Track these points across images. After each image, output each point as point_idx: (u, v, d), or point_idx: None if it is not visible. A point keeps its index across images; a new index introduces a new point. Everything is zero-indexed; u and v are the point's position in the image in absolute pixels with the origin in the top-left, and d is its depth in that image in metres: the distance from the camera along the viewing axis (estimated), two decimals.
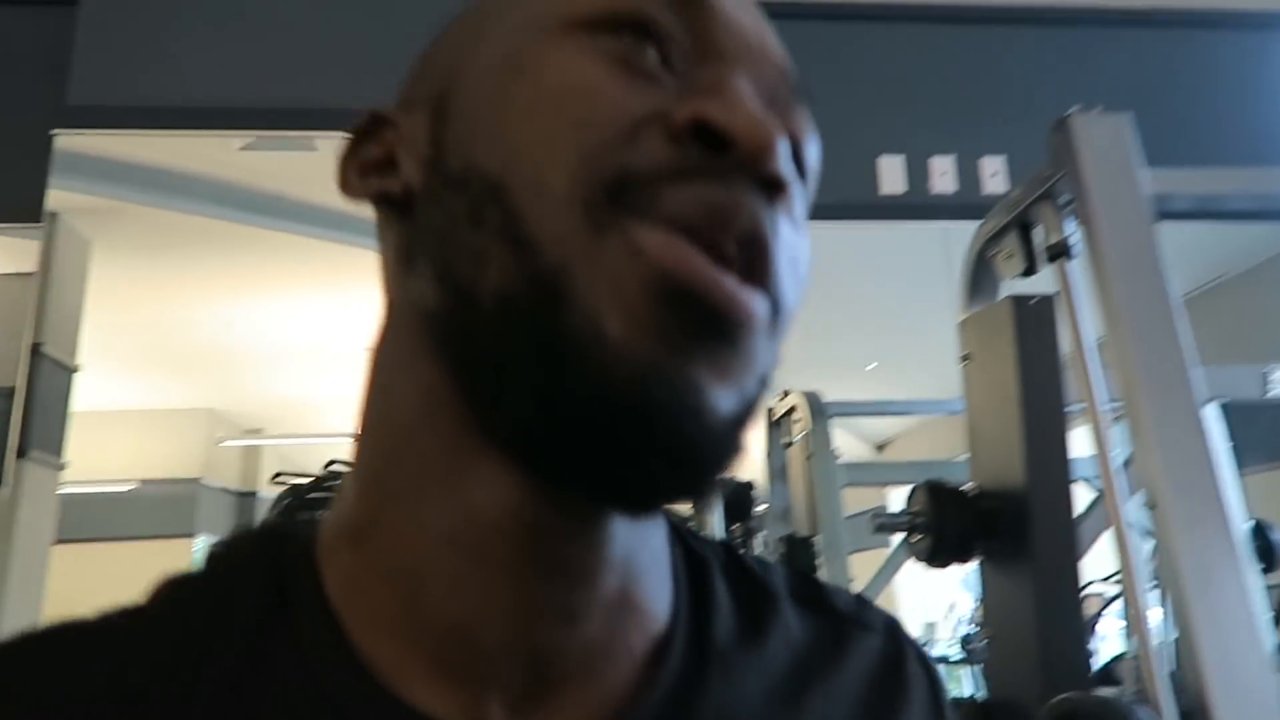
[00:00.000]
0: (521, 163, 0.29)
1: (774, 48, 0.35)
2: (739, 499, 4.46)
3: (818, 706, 0.36)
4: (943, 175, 1.91)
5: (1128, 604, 1.20)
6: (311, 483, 5.06)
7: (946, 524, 1.48)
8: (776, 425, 2.80)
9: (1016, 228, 1.32)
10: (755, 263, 0.29)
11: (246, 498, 10.48)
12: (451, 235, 0.30)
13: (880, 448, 6.07)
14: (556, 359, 0.27)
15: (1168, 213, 1.22)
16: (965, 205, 1.89)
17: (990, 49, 2.05)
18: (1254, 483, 2.56)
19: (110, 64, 2.13)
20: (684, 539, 0.39)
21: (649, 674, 0.34)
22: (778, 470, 2.93)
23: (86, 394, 3.30)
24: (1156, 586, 1.23)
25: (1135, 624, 1.17)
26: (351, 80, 2.08)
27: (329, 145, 3.74)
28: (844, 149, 1.88)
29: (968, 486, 1.53)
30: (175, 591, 0.37)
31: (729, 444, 0.30)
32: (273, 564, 0.36)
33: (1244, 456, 2.33)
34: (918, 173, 1.93)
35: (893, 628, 0.42)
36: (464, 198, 0.30)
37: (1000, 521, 1.43)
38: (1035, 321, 1.33)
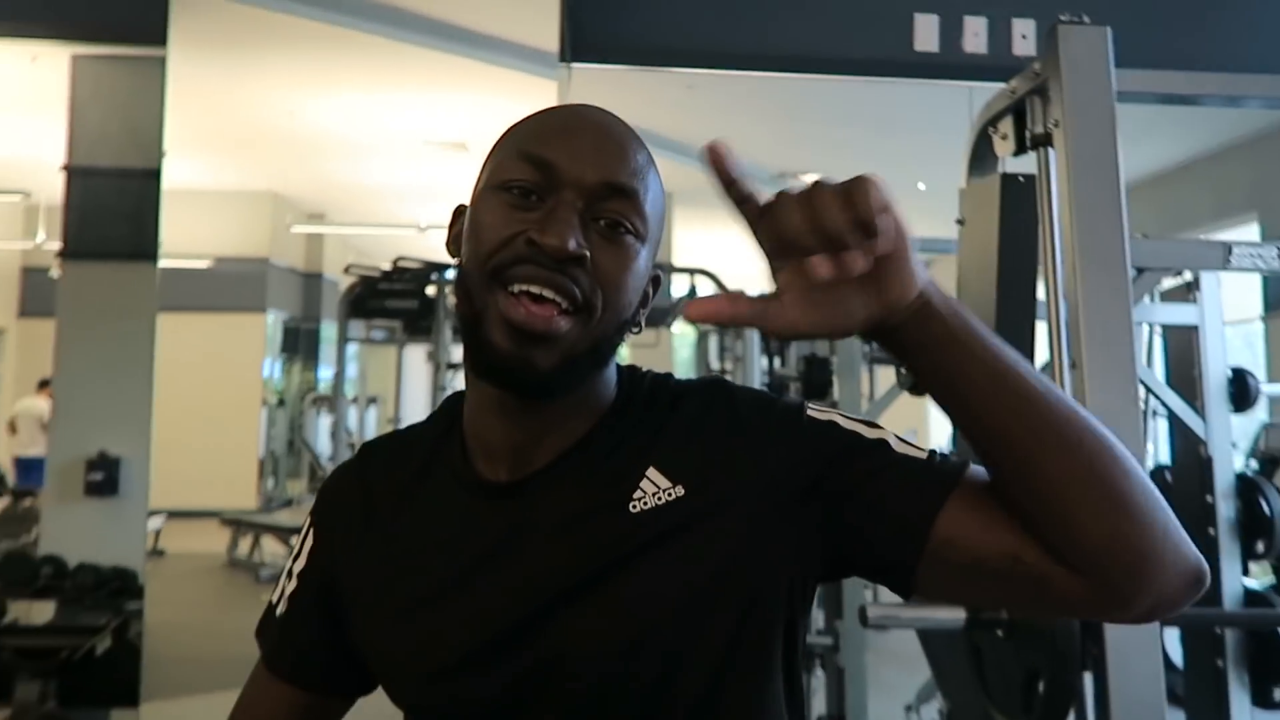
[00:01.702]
0: (468, 258, 0.67)
1: (598, 171, 0.65)
2: None
3: (669, 434, 0.69)
4: (975, 36, 2.03)
5: None
6: (381, 276, 5.51)
7: None
8: None
9: (1013, 113, 1.50)
10: (565, 298, 0.63)
11: (312, 279, 10.94)
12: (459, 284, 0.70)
13: (928, 265, 6.26)
14: (480, 347, 0.65)
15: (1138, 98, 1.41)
16: (996, 67, 2.02)
17: None
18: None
19: None
20: (636, 381, 0.74)
21: (568, 448, 0.70)
22: None
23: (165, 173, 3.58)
24: None
25: None
26: None
27: None
28: (880, 4, 2.01)
29: None
30: (433, 416, 0.79)
31: (555, 379, 0.65)
32: (456, 406, 0.77)
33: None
34: (950, 31, 2.05)
35: (710, 385, 0.72)
36: (463, 274, 0.69)
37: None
38: (1019, 198, 1.54)
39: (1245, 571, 2.46)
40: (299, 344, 10.30)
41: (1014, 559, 0.60)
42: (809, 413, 0.69)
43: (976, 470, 0.64)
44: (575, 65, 2.14)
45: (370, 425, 7.44)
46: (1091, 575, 0.57)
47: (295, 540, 0.81)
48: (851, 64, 2.03)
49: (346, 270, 4.97)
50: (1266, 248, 1.61)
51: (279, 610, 0.79)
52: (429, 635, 0.69)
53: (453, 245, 0.73)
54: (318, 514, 0.80)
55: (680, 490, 0.66)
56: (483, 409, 0.70)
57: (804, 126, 5.31)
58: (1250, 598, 2.41)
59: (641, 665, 0.64)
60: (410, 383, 5.83)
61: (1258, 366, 3.26)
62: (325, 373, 9.95)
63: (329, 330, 9.61)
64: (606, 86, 2.75)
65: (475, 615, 0.68)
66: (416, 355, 5.60)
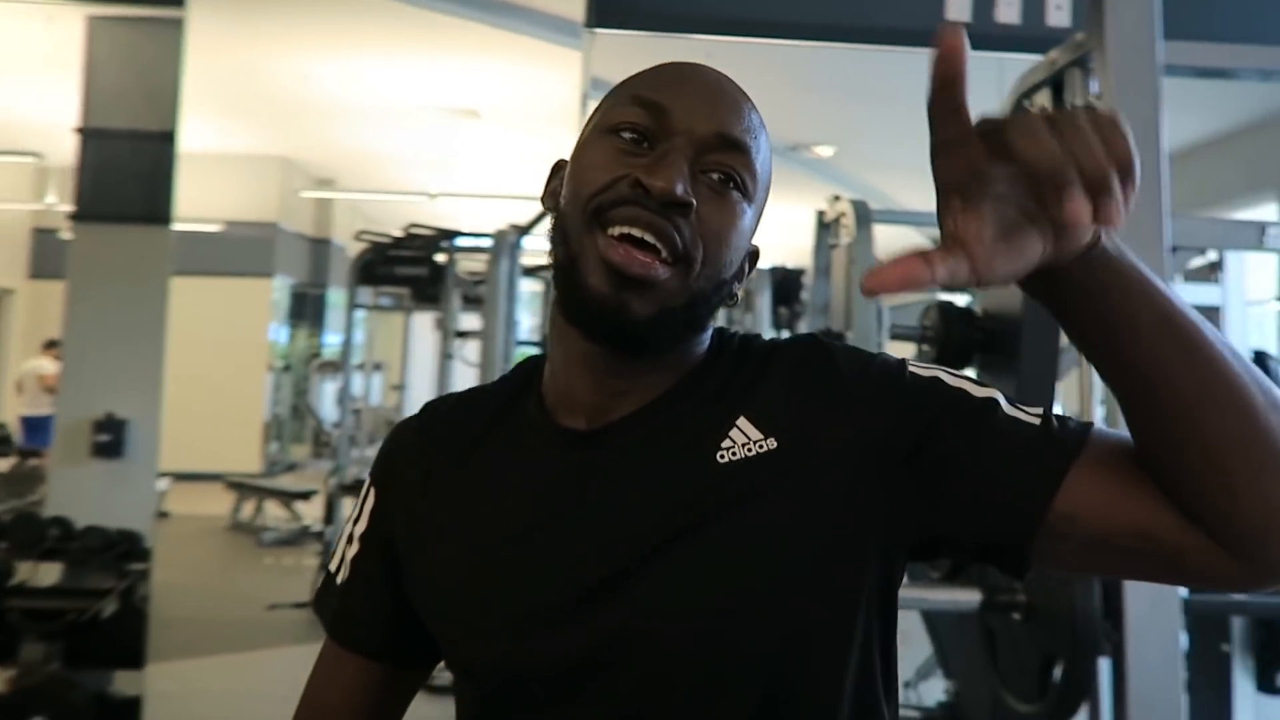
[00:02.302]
0: (568, 201, 0.64)
1: (712, 122, 0.63)
2: (787, 284, 4.70)
3: (762, 386, 0.65)
4: (1008, 6, 1.98)
5: (1082, 414, 1.46)
6: (392, 242, 5.47)
7: (951, 337, 1.72)
8: (826, 228, 2.97)
9: (1051, 85, 1.46)
10: (665, 245, 0.60)
11: (321, 245, 10.90)
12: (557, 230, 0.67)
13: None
14: (574, 290, 0.62)
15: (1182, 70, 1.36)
16: (1030, 38, 1.97)
17: None
18: None
19: None
20: (726, 340, 0.70)
21: (653, 399, 0.67)
22: (823, 268, 3.12)
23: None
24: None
25: None
26: None
27: None
28: None
29: (975, 306, 1.75)
30: (503, 378, 0.77)
31: (651, 329, 0.62)
32: (532, 368, 0.74)
33: None
34: (984, 1, 1.99)
35: (806, 341, 0.68)
36: (560, 218, 0.66)
37: (997, 339, 1.66)
38: None
39: None
40: (306, 309, 10.32)
41: (1145, 534, 0.56)
42: (910, 369, 0.63)
43: (1101, 434, 0.59)
44: (599, 31, 2.09)
45: (376, 391, 7.44)
46: (1242, 548, 0.52)
47: (354, 503, 0.78)
48: (880, 33, 1.98)
49: (357, 236, 4.92)
50: None
51: (340, 577, 0.75)
52: (499, 581, 0.65)
53: (549, 199, 0.69)
54: (376, 471, 0.77)
55: (773, 443, 0.62)
56: (569, 362, 0.67)
57: (823, 100, 5.25)
58: None
59: (726, 629, 0.61)
60: (416, 350, 5.81)
61: (1271, 349, 3.22)
62: (331, 338, 9.97)
63: (336, 296, 9.61)
64: (627, 54, 2.69)
65: (550, 567, 0.64)
66: (423, 323, 5.57)
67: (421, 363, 5.96)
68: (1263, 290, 4.94)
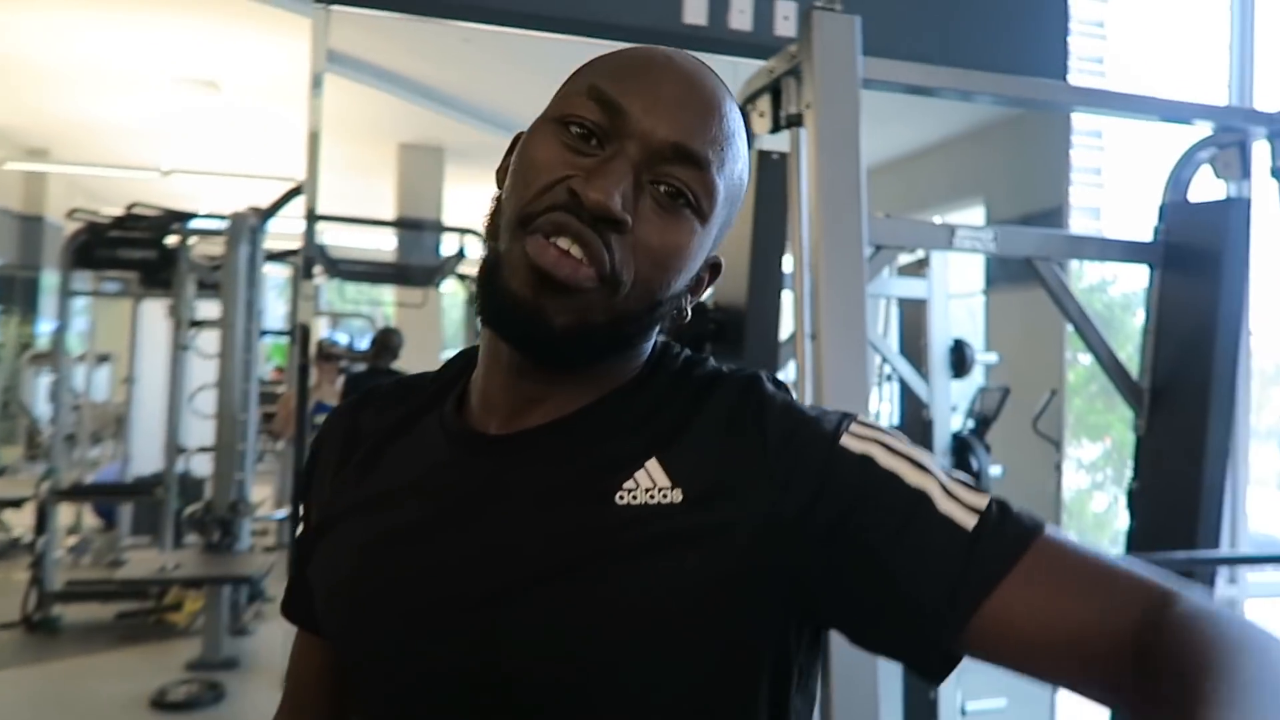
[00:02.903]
0: (506, 195, 0.60)
1: (671, 128, 0.58)
2: None
3: (685, 428, 0.61)
4: (741, 13, 2.09)
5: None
6: (111, 222, 4.98)
7: (683, 327, 1.79)
8: None
9: (770, 92, 1.55)
10: (592, 262, 0.57)
11: (32, 222, 9.72)
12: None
13: None
14: (495, 292, 0.59)
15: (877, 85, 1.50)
16: (760, 45, 2.09)
17: None
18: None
19: None
20: (667, 361, 0.66)
21: (567, 415, 0.63)
22: None
23: None
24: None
25: None
26: None
27: None
28: None
29: (707, 298, 1.85)
30: (439, 369, 0.73)
31: (568, 342, 0.58)
32: (465, 362, 0.71)
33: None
34: (719, 6, 2.09)
35: (745, 384, 0.63)
36: (498, 210, 0.61)
37: (725, 330, 1.76)
38: (772, 173, 1.60)
39: None
40: (14, 294, 9.15)
41: (1081, 660, 0.51)
42: (842, 443, 0.58)
43: (1050, 540, 0.54)
44: (334, 8, 2.00)
45: (101, 385, 6.73)
46: None
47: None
48: (623, 30, 2.03)
49: (70, 215, 4.42)
50: (985, 231, 1.77)
51: (297, 558, 0.74)
52: (379, 581, 0.62)
53: (500, 174, 0.64)
54: (313, 448, 0.76)
55: (678, 495, 0.57)
56: (490, 360, 0.64)
57: None
58: None
59: (588, 680, 0.56)
60: (147, 340, 5.31)
61: (979, 337, 3.64)
62: (45, 327, 8.91)
63: (52, 280, 8.58)
64: (371, 32, 2.61)
65: (431, 574, 0.60)
66: (156, 310, 5.11)
67: (153, 354, 5.45)
68: (972, 284, 5.56)
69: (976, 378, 2.93)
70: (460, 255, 5.41)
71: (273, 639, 3.94)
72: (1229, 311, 1.82)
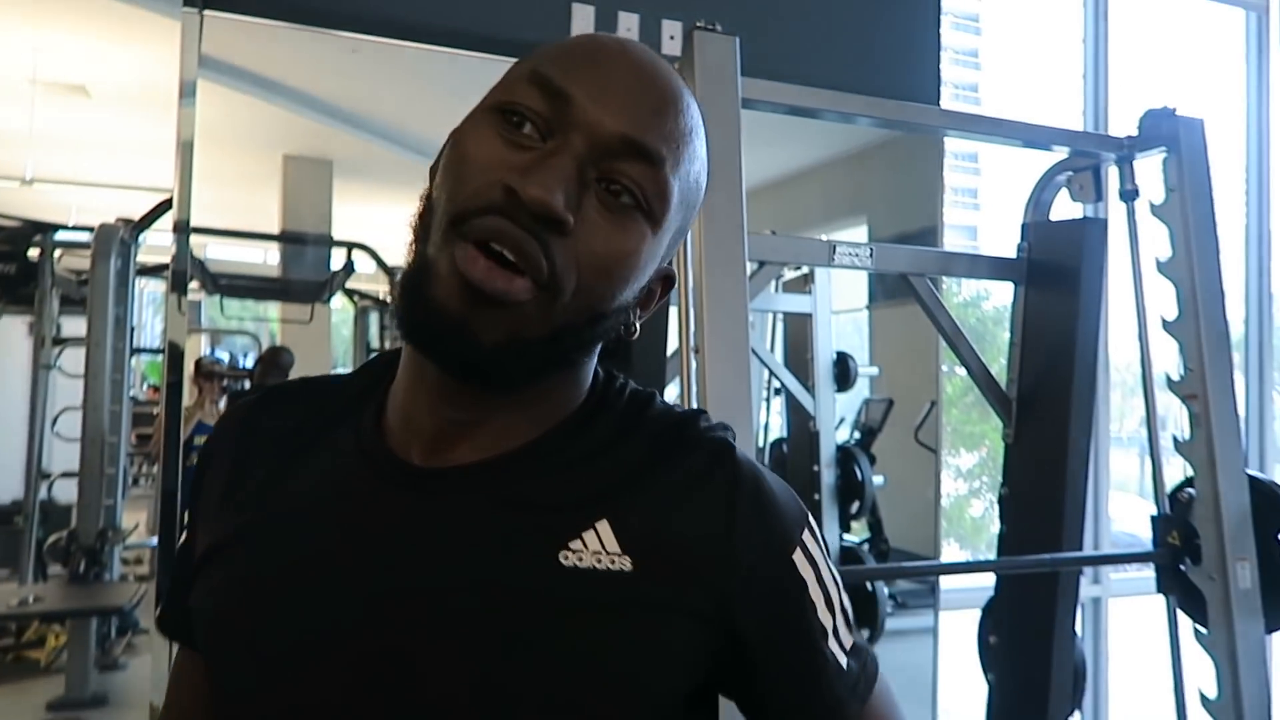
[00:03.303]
0: (436, 194, 0.54)
1: (621, 121, 0.52)
2: None
3: (642, 486, 0.56)
4: (626, 31, 2.11)
5: None
6: None
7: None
8: None
9: None
10: (528, 267, 0.51)
11: None
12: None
13: None
14: (416, 304, 0.52)
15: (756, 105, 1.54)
16: None
17: None
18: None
19: None
20: (611, 393, 0.62)
21: (504, 452, 0.57)
22: None
23: None
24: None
25: None
26: None
27: None
28: None
29: None
30: (352, 374, 0.66)
31: (499, 360, 0.53)
32: (384, 367, 0.64)
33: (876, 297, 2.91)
34: (605, 24, 2.11)
35: (716, 451, 0.59)
36: (427, 210, 0.55)
37: (616, 345, 1.76)
38: None
39: (846, 529, 2.82)
40: None
41: None
42: (794, 557, 0.58)
43: (881, 677, 0.62)
44: (208, 12, 1.93)
45: None
46: None
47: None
48: (510, 45, 2.03)
49: None
50: (863, 247, 1.83)
51: (176, 571, 0.66)
52: (272, 616, 0.56)
53: (432, 171, 0.57)
54: (202, 452, 0.66)
55: (627, 563, 0.54)
56: (413, 377, 0.58)
57: (470, 105, 5.25)
58: (845, 553, 2.77)
59: None
60: (6, 359, 5.00)
61: (864, 351, 3.76)
62: None
63: None
64: (251, 39, 2.54)
65: (333, 615, 0.54)
66: (15, 328, 4.82)
67: (13, 374, 5.14)
68: (856, 300, 5.75)
69: (861, 390, 3.02)
70: (349, 270, 5.28)
71: (145, 672, 3.74)
72: (1086, 325, 1.93)
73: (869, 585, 2.57)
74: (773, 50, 2.29)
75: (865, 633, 2.58)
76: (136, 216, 3.75)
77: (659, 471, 0.57)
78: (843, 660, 0.59)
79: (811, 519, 0.62)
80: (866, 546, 2.80)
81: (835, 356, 2.83)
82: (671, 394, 2.20)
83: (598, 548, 0.54)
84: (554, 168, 0.51)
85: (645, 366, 1.74)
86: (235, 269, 5.69)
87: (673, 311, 1.76)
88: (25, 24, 4.98)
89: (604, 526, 0.55)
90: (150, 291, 5.46)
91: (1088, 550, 2.02)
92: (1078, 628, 2.02)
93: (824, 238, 1.89)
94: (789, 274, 2.83)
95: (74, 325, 4.47)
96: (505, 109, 0.53)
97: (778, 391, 3.07)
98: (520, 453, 0.57)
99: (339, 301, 6.68)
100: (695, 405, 1.57)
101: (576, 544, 0.54)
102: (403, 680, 0.52)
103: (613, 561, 0.54)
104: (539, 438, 0.57)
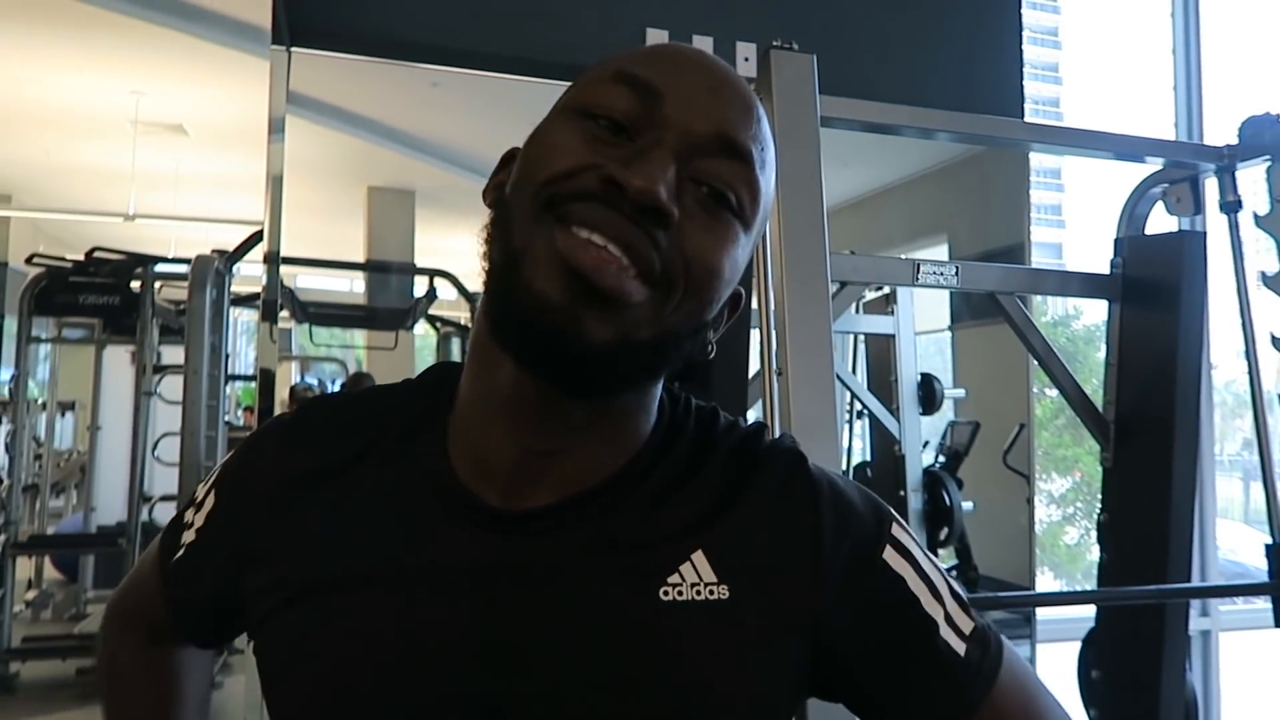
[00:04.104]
0: (515, 187, 0.51)
1: (713, 119, 0.51)
2: None
3: (732, 513, 0.54)
4: None
5: None
6: (73, 267, 4.94)
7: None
8: None
9: None
10: (636, 259, 0.47)
11: None
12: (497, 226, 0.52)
13: None
14: (514, 296, 0.48)
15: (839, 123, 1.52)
16: None
17: None
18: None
19: None
20: (679, 414, 0.59)
21: (590, 487, 0.55)
22: None
23: None
24: None
25: None
26: None
27: None
28: (613, 20, 2.04)
29: None
30: (408, 387, 0.62)
31: (608, 362, 0.49)
32: (437, 385, 0.60)
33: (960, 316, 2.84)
34: None
35: (790, 462, 0.58)
36: (503, 207, 0.52)
37: (693, 368, 1.75)
38: None
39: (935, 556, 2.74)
40: None
41: None
42: (885, 555, 0.57)
43: (1011, 664, 0.58)
44: (295, 50, 2.00)
45: (66, 434, 6.62)
46: None
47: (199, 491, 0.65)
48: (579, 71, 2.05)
49: (30, 260, 4.39)
50: (948, 266, 1.78)
51: (185, 539, 0.65)
52: (383, 681, 0.52)
53: (491, 192, 0.55)
54: (223, 477, 0.64)
55: (724, 591, 0.53)
56: (486, 402, 0.54)
57: None
58: None
59: None
60: (111, 387, 5.24)
61: (947, 372, 3.68)
62: (5, 375, 8.76)
63: (12, 327, 8.45)
64: (335, 75, 2.63)
65: (433, 672, 0.51)
66: (119, 357, 5.05)
67: (117, 401, 5.38)
68: (937, 320, 5.63)
69: (946, 412, 2.95)
70: (431, 296, 5.40)
71: (238, 691, 3.83)
72: (1189, 343, 1.84)
73: None
74: (850, 68, 2.27)
75: None
76: (231, 248, 3.89)
77: (742, 493, 0.56)
78: (960, 648, 0.57)
79: (896, 515, 0.60)
80: (955, 574, 2.72)
81: (920, 378, 2.76)
82: (753, 418, 2.18)
83: (695, 579, 0.53)
84: (655, 160, 0.48)
85: (726, 390, 1.72)
86: (323, 297, 5.88)
87: (753, 334, 1.74)
88: (126, 69, 5.24)
89: (699, 557, 0.53)
90: (243, 320, 5.66)
91: (1195, 581, 1.91)
92: (1188, 663, 1.91)
93: (904, 257, 1.84)
94: (869, 295, 2.78)
95: (173, 354, 4.66)
96: (589, 111, 0.51)
97: (860, 414, 3.01)
98: (606, 488, 0.55)
99: (422, 328, 6.83)
100: (779, 429, 1.55)
101: (675, 579, 0.53)
102: None
103: (711, 591, 0.53)
104: (622, 469, 0.55)
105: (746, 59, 2.12)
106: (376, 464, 0.57)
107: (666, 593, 0.52)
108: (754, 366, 1.77)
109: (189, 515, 0.65)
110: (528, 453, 0.53)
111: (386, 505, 0.55)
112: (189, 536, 0.65)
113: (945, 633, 0.57)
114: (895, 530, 0.58)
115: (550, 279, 0.46)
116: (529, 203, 0.49)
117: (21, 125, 6.31)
